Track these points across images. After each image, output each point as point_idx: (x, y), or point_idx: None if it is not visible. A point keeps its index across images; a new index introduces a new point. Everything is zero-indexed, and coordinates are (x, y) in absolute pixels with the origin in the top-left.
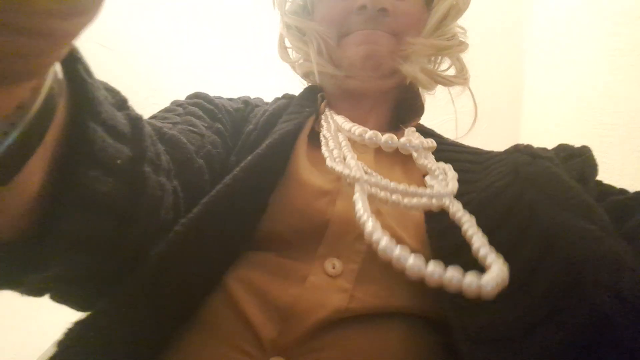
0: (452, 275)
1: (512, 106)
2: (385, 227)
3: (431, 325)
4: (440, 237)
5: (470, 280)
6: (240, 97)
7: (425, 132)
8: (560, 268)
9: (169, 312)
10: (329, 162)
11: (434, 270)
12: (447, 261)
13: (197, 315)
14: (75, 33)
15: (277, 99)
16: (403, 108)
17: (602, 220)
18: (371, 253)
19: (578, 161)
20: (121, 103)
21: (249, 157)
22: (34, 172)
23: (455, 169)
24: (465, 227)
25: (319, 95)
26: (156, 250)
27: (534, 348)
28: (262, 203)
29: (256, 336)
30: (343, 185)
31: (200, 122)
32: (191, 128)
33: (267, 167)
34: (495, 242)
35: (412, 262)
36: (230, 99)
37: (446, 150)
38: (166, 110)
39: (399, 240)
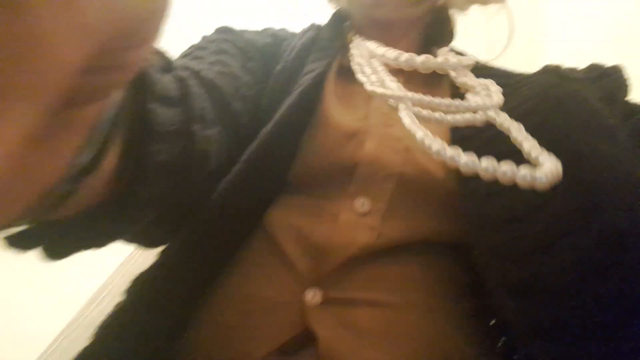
0: (506, 169)
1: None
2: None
3: (453, 250)
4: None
5: (524, 173)
6: (267, 30)
7: (463, 53)
8: (581, 189)
9: (218, 253)
10: (368, 87)
11: (488, 165)
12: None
13: (240, 254)
14: (145, 58)
15: (304, 31)
16: (433, 34)
17: (624, 143)
18: (398, 190)
19: (608, 80)
20: (168, 65)
21: (281, 110)
22: (109, 159)
23: None
24: (514, 134)
25: (345, 25)
26: (207, 202)
27: (553, 263)
28: (294, 148)
29: (293, 270)
30: (372, 123)
31: (233, 61)
32: (227, 69)
33: (298, 116)
34: None
35: (466, 159)
36: (258, 32)
37: (475, 74)
38: (199, 47)
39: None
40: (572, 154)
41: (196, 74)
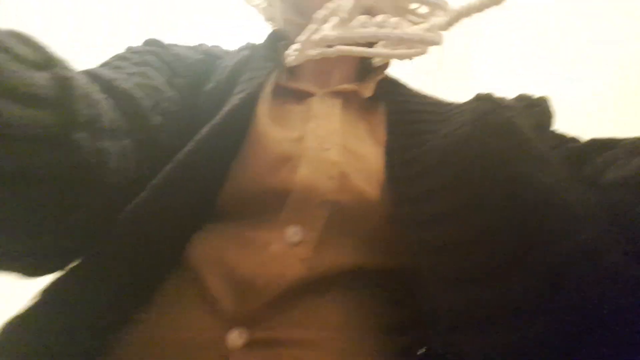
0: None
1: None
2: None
3: (385, 279)
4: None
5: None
6: (201, 46)
7: (392, 83)
8: (523, 216)
9: (129, 290)
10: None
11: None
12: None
13: (159, 290)
14: None
15: (238, 50)
16: (369, 63)
17: (558, 172)
18: (332, 218)
19: (537, 110)
20: (47, 61)
21: (208, 126)
22: None
23: (415, 119)
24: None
25: (280, 44)
26: (111, 229)
27: (497, 291)
28: (223, 172)
29: (216, 308)
30: (307, 146)
31: (157, 74)
32: (148, 82)
33: (227, 135)
34: (465, 188)
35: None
36: (189, 48)
37: (411, 102)
38: (120, 57)
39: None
40: (510, 181)
41: (107, 82)
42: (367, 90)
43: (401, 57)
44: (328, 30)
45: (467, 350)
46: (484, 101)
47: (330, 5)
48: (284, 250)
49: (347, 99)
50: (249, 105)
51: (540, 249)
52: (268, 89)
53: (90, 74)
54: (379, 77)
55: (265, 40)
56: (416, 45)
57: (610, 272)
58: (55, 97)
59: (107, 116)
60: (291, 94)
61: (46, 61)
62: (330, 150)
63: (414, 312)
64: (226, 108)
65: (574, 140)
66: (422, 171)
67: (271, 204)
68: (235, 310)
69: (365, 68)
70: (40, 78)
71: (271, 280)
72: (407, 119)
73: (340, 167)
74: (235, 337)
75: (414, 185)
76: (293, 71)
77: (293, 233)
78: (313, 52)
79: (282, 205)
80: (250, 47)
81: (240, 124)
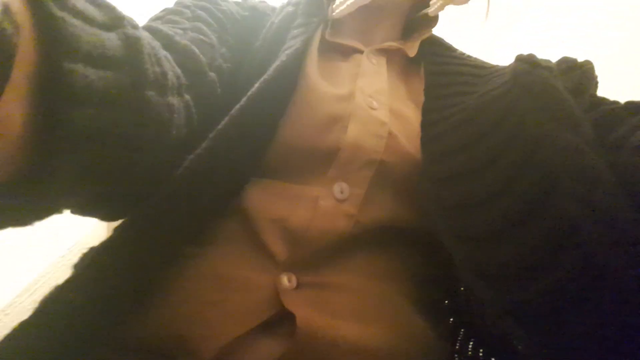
0: None
1: None
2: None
3: (422, 236)
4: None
5: None
6: (246, 1)
7: (435, 43)
8: (538, 176)
9: (183, 234)
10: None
11: None
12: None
13: (210, 232)
14: None
15: (282, 7)
16: (416, 18)
17: (587, 134)
18: (377, 177)
19: (577, 73)
20: (114, 21)
21: (259, 83)
22: (10, 113)
23: (457, 81)
24: None
25: None
26: (170, 177)
27: (508, 248)
28: (272, 128)
29: (268, 253)
30: (356, 105)
31: (210, 30)
32: (202, 37)
33: (276, 91)
34: (484, 147)
35: None
36: (237, 3)
37: (451, 64)
38: (172, 11)
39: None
40: (533, 141)
41: (167, 38)
42: (412, 49)
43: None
44: None
45: (486, 303)
46: (522, 62)
47: None
48: (332, 206)
49: (391, 57)
50: (297, 61)
51: (553, 208)
52: (315, 44)
53: (150, 29)
54: (424, 37)
55: None
56: None
57: (619, 235)
58: (126, 57)
59: (171, 73)
60: (337, 49)
61: (114, 21)
62: (378, 110)
63: (445, 266)
64: (275, 64)
65: (614, 103)
66: (448, 130)
67: (320, 161)
68: (287, 257)
69: (410, 26)
70: (111, 39)
71: (321, 233)
72: (444, 81)
73: (388, 127)
74: (286, 280)
75: (440, 144)
76: (337, 26)
77: (340, 190)
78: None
79: (330, 162)
80: (295, 3)
81: (289, 80)
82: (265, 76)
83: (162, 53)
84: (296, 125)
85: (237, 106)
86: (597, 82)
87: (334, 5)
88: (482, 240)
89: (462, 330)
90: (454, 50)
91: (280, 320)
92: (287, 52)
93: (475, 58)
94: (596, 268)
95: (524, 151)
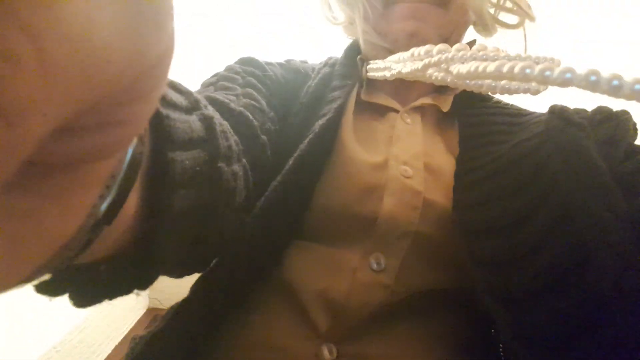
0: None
1: None
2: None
3: (460, 296)
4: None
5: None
6: (290, 63)
7: (468, 94)
8: (568, 246)
9: (230, 299)
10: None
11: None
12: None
13: (255, 303)
14: (152, 109)
15: (320, 68)
16: None
17: (617, 205)
18: (412, 247)
19: (612, 124)
20: (194, 104)
21: (292, 158)
22: (129, 205)
23: (492, 131)
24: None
25: (358, 59)
26: (234, 237)
27: (538, 311)
28: (308, 197)
29: (310, 324)
30: (391, 175)
31: (259, 95)
32: (254, 103)
33: (311, 164)
34: (519, 201)
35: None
36: (282, 66)
37: (485, 114)
38: (224, 77)
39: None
40: (565, 206)
41: (224, 105)
42: (445, 104)
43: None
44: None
45: (515, 322)
46: (555, 116)
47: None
48: (370, 278)
49: (426, 113)
50: (331, 131)
51: (584, 283)
52: (350, 105)
53: (208, 99)
54: (457, 91)
55: (344, 55)
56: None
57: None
58: (205, 137)
59: (233, 142)
60: (373, 109)
61: (193, 104)
62: (412, 178)
63: (484, 327)
64: (309, 137)
65: None
66: (482, 179)
67: (357, 229)
68: (328, 328)
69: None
70: (194, 122)
71: (360, 304)
72: (478, 131)
73: (423, 195)
74: (327, 352)
75: (473, 193)
76: (373, 85)
77: (377, 261)
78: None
79: (367, 230)
80: (331, 64)
81: (325, 148)
82: (299, 150)
83: (225, 123)
84: (333, 193)
85: (277, 178)
86: (636, 131)
87: (367, 67)
88: (517, 301)
89: None
90: (489, 99)
91: None
92: (320, 122)
93: (512, 105)
94: (603, 293)
95: (555, 214)
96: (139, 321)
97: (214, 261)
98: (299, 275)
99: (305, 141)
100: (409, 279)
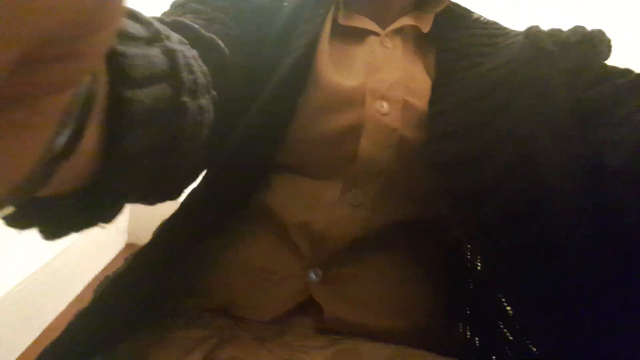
0: None
1: None
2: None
3: (433, 227)
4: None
5: None
6: None
7: (449, 13)
8: (527, 185)
9: (216, 226)
10: None
11: None
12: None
13: (241, 231)
14: (109, 41)
15: None
16: None
17: (578, 154)
18: (387, 183)
19: (583, 48)
20: (155, 35)
21: (268, 88)
22: (89, 140)
23: (467, 53)
24: None
25: None
26: (199, 181)
27: (501, 242)
28: (284, 131)
29: (296, 252)
30: (367, 115)
31: (232, 21)
32: (225, 30)
33: (286, 95)
34: (483, 137)
35: None
36: None
37: (463, 35)
38: (196, 0)
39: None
40: (525, 146)
41: (194, 31)
42: (426, 24)
43: None
44: None
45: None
46: (529, 42)
47: None
48: (347, 212)
49: (407, 35)
50: (304, 63)
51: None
52: (325, 33)
53: (176, 24)
54: (438, 9)
55: None
56: None
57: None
58: (167, 71)
59: (200, 74)
60: (352, 33)
61: (154, 34)
62: (389, 114)
63: (455, 258)
64: (287, 61)
65: (623, 74)
66: (452, 107)
67: (334, 166)
68: (312, 256)
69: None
70: (155, 55)
71: (339, 235)
72: (454, 55)
73: (399, 132)
74: (313, 275)
75: (442, 123)
76: (350, 8)
77: (354, 197)
78: None
79: (345, 168)
80: None
81: (299, 82)
82: (277, 76)
83: (191, 53)
84: (311, 130)
85: (253, 109)
86: (609, 49)
87: None
88: (483, 232)
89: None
90: (469, 17)
91: (310, 301)
92: (291, 58)
93: (491, 23)
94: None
95: (519, 153)
96: (117, 256)
97: (191, 189)
98: (280, 206)
99: (276, 79)
100: (383, 212)
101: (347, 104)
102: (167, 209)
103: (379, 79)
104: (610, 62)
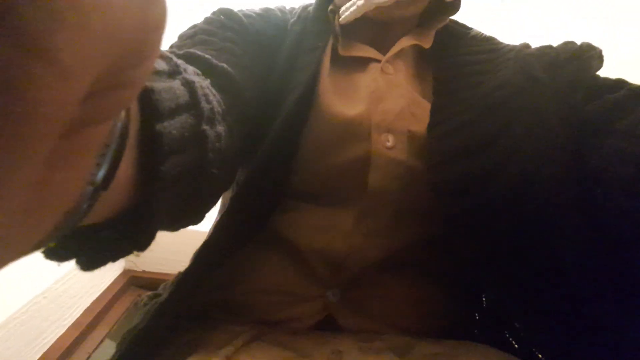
0: None
1: None
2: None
3: (440, 243)
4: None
5: None
6: (269, 14)
7: (448, 31)
8: (526, 211)
9: (233, 251)
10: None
11: None
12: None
13: (254, 255)
14: (148, 73)
15: (293, 22)
16: (431, 8)
17: (571, 176)
18: (399, 211)
19: (574, 65)
20: (175, 68)
21: (274, 127)
22: (125, 169)
23: (465, 73)
24: None
25: (329, 11)
26: (214, 199)
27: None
28: (294, 164)
29: (315, 276)
30: (374, 150)
31: (239, 50)
32: (234, 59)
33: (292, 132)
34: (481, 162)
35: None
36: (260, 17)
37: (460, 54)
38: (202, 31)
39: None
40: (523, 173)
41: (205, 62)
42: (427, 40)
43: None
44: None
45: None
46: (519, 69)
47: None
48: (363, 240)
49: (408, 55)
50: (311, 91)
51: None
52: (326, 62)
53: (188, 55)
54: (439, 26)
55: (316, 7)
56: None
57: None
58: (189, 101)
59: (216, 103)
60: (353, 62)
61: (174, 68)
62: (395, 148)
63: (466, 272)
64: (290, 98)
65: (616, 86)
66: (450, 131)
67: (345, 197)
68: (330, 278)
69: (427, 14)
70: (178, 88)
71: (356, 261)
72: (451, 74)
73: (406, 164)
74: (332, 295)
75: (441, 147)
76: (349, 35)
77: (367, 226)
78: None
79: (355, 199)
80: (304, 18)
81: (307, 113)
82: (279, 120)
83: (205, 83)
84: (317, 162)
85: (264, 145)
86: (601, 60)
87: (340, 19)
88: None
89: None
90: (467, 34)
91: (329, 323)
92: (296, 92)
93: (489, 38)
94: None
95: (517, 179)
96: (115, 280)
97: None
98: (296, 233)
99: (281, 117)
100: (397, 237)
101: (353, 137)
102: (162, 237)
103: (383, 110)
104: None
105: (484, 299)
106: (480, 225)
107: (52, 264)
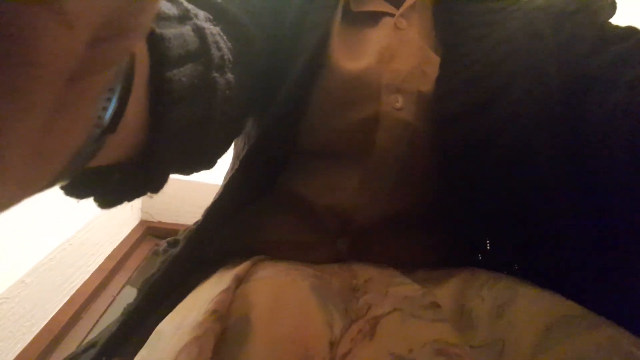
0: None
1: None
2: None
3: (449, 205)
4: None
5: None
6: None
7: None
8: (524, 178)
9: (246, 203)
10: None
11: None
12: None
13: (265, 209)
14: (151, 19)
15: None
16: None
17: (567, 145)
18: (403, 169)
19: (580, 17)
20: (185, 13)
21: (284, 87)
22: (133, 114)
23: (473, 24)
24: None
25: None
26: (225, 146)
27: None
28: (303, 122)
29: (324, 227)
30: (381, 113)
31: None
32: (248, 8)
33: (302, 92)
34: (483, 123)
35: None
36: None
37: (472, 2)
38: None
39: None
40: (518, 139)
41: (219, 7)
42: None
43: None
44: None
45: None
46: (525, 24)
47: None
48: (370, 199)
49: (423, 8)
50: (321, 51)
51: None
52: (337, 18)
53: (200, 0)
54: None
55: None
56: None
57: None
58: (199, 48)
59: (226, 50)
60: (365, 17)
61: (184, 12)
62: (403, 109)
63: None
64: (301, 59)
65: (624, 36)
66: (456, 88)
67: (353, 154)
68: (338, 229)
69: None
70: (189, 34)
71: (364, 217)
72: (459, 26)
73: (412, 125)
74: (341, 243)
75: (447, 104)
76: None
77: (372, 186)
78: None
79: (362, 157)
80: None
81: (317, 72)
82: (289, 81)
83: (216, 29)
84: (327, 120)
85: (275, 105)
86: (610, 10)
87: None
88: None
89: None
90: None
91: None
92: (306, 53)
93: None
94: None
95: (515, 147)
96: (133, 230)
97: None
98: (305, 190)
99: (291, 78)
100: (402, 198)
101: (362, 97)
102: (176, 190)
103: (393, 70)
104: None
105: (487, 243)
106: (480, 184)
107: (75, 214)
